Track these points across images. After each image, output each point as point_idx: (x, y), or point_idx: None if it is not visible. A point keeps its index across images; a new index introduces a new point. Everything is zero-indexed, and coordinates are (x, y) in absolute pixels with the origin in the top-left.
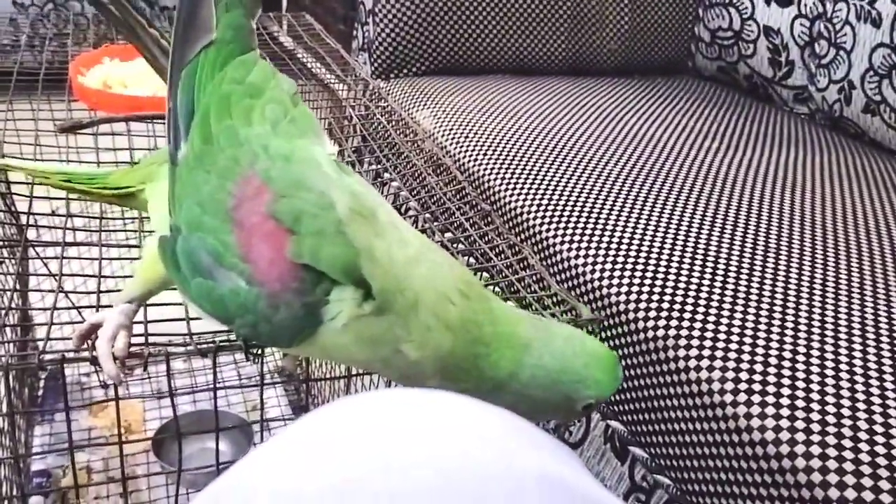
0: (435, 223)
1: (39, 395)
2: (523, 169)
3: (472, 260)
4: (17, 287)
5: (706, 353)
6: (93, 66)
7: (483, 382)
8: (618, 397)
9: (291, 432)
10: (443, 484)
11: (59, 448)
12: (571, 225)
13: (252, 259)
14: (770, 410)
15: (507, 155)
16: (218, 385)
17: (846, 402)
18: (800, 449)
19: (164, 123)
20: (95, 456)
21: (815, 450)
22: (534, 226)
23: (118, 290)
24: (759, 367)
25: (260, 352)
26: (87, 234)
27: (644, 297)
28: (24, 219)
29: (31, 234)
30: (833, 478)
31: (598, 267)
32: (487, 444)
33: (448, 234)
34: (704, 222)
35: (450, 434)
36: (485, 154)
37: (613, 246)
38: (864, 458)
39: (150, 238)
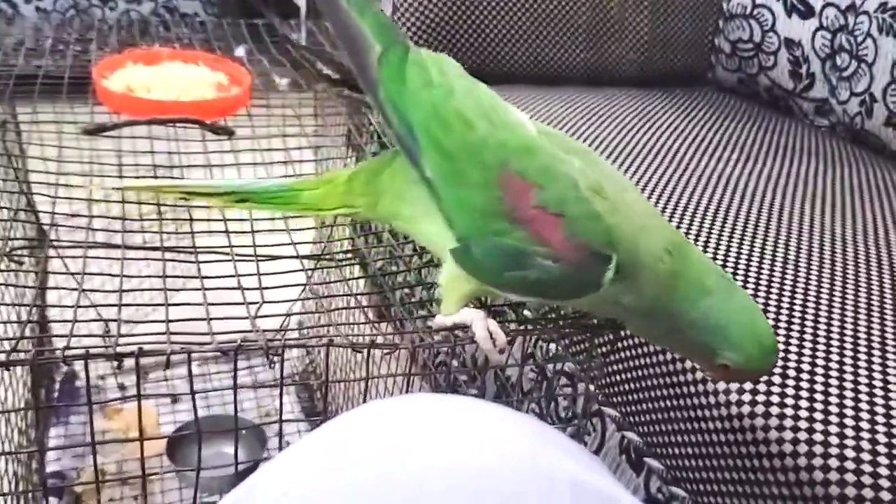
0: None
1: (55, 397)
2: None
3: None
4: (39, 286)
5: None
6: (116, 69)
7: (659, 314)
8: (633, 408)
9: (324, 433)
10: (477, 486)
11: (75, 445)
12: None
13: (548, 244)
14: (788, 423)
15: None
16: (236, 387)
17: (864, 416)
18: (817, 462)
19: (186, 127)
20: (109, 458)
21: (834, 462)
22: None
23: (140, 290)
24: (777, 379)
25: (280, 353)
26: (108, 236)
27: None
28: (45, 219)
29: (52, 235)
30: (851, 491)
31: None
32: (522, 450)
33: None
34: (723, 234)
35: (485, 439)
36: None
37: None
38: (883, 471)
39: (443, 265)
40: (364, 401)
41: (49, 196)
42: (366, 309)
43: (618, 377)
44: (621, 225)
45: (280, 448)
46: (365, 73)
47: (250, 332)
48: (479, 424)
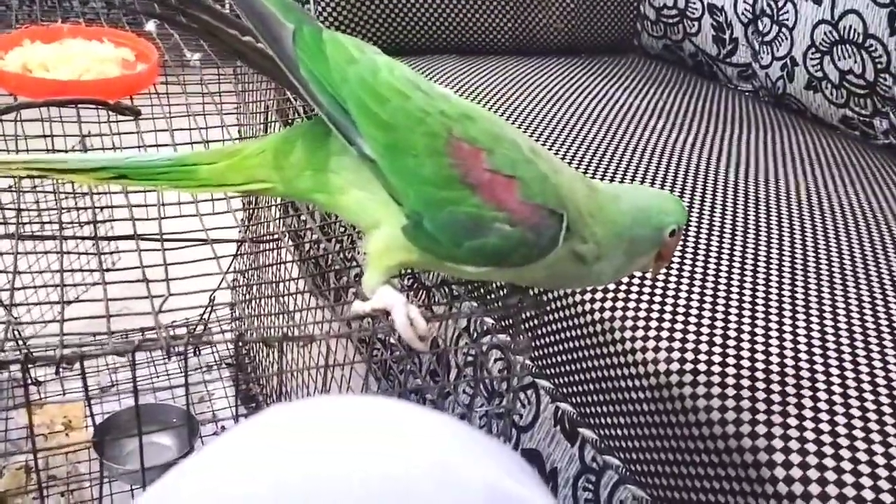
0: None
1: None
2: None
3: None
4: None
5: (651, 333)
6: (12, 48)
7: (610, 242)
8: (566, 379)
9: (233, 435)
10: (386, 493)
11: None
12: None
13: (505, 207)
14: (716, 391)
15: None
16: (159, 377)
17: (790, 381)
18: (745, 429)
19: (90, 108)
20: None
21: (761, 429)
22: None
23: (35, 287)
24: (703, 347)
25: (184, 351)
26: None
27: None
28: None
29: None
30: (779, 457)
31: None
32: (434, 455)
33: None
34: None
35: (395, 443)
36: None
37: None
38: (809, 435)
39: (375, 234)
40: (284, 390)
41: None
42: (293, 294)
43: (551, 349)
44: (562, 183)
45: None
46: (282, 52)
47: (153, 328)
48: (391, 428)
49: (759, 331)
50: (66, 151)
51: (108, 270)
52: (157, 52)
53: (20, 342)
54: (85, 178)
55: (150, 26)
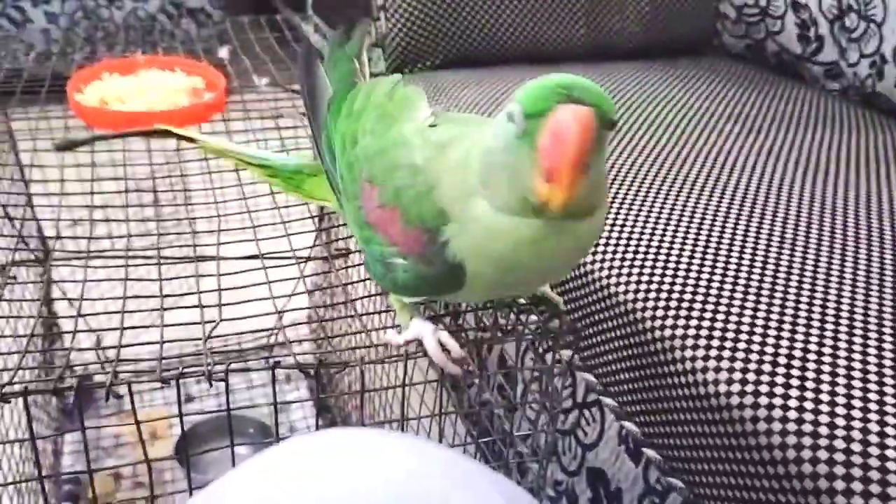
0: None
1: (69, 402)
2: None
3: None
4: (43, 300)
5: (713, 353)
6: (91, 81)
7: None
8: (629, 398)
9: (247, 468)
10: None
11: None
12: None
13: (395, 241)
14: (777, 413)
15: None
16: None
17: (857, 404)
18: (806, 454)
19: (159, 138)
20: (124, 461)
21: (823, 454)
22: None
23: (140, 311)
24: (766, 368)
25: (225, 377)
26: (112, 248)
27: (652, 294)
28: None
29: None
30: (840, 484)
31: (607, 264)
32: (422, 486)
33: None
34: (719, 213)
35: (386, 475)
36: None
37: (623, 241)
38: (874, 462)
39: None
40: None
41: (50, 206)
42: (360, 316)
43: (614, 366)
44: (451, 185)
45: None
46: (317, 120)
47: (197, 353)
48: (388, 460)
49: (826, 349)
50: (126, 179)
51: (167, 296)
52: (224, 80)
53: (104, 365)
54: (254, 170)
55: (223, 53)
